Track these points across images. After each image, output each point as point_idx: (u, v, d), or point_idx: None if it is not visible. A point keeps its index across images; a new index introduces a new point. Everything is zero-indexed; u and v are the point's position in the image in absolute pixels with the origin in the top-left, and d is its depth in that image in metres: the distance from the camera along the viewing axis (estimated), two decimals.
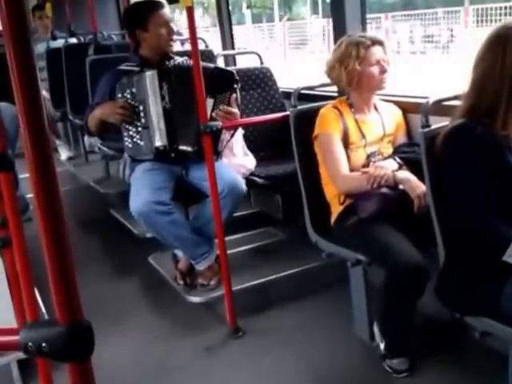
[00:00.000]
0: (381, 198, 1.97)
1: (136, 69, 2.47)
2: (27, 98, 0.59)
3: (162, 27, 2.46)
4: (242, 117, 2.67)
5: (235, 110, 2.40)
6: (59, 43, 4.66)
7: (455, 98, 1.83)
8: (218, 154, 2.47)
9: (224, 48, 3.84)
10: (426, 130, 1.78)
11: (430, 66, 10.64)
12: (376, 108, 2.20)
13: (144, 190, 2.34)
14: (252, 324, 2.40)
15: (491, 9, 12.00)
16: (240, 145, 2.69)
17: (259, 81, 3.16)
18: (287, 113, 2.42)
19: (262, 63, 3.24)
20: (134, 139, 2.47)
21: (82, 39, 4.76)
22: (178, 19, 12.16)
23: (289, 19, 19.87)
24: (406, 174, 1.99)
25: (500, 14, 11.58)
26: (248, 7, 21.40)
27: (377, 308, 2.08)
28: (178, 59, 2.57)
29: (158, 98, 2.42)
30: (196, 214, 2.58)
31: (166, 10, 2.52)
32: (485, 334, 1.59)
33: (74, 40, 4.81)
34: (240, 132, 2.67)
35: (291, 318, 2.45)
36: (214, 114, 2.32)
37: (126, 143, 2.49)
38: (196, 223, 2.51)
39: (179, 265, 2.63)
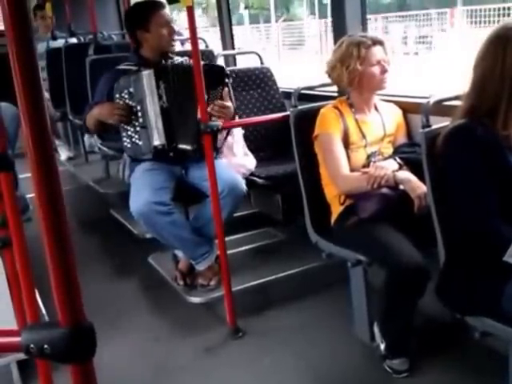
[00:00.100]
0: (381, 199, 1.97)
1: (133, 68, 2.47)
2: (30, 98, 0.59)
3: (164, 27, 2.46)
4: (241, 117, 2.67)
5: (229, 103, 2.42)
6: (59, 43, 4.66)
7: (456, 98, 1.83)
8: (217, 151, 2.47)
9: (224, 48, 3.84)
10: (427, 130, 1.78)
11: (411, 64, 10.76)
12: (376, 108, 2.20)
13: (144, 190, 2.34)
14: (252, 324, 2.40)
15: (484, 10, 12.09)
16: (240, 145, 2.69)
17: (259, 81, 3.15)
18: (287, 113, 2.42)
19: (262, 63, 3.24)
20: (133, 139, 2.47)
21: (82, 39, 4.75)
22: (176, 19, 12.16)
23: (285, 20, 19.87)
24: (406, 175, 1.99)
25: (494, 15, 11.65)
26: (246, 8, 21.39)
27: (377, 308, 2.08)
28: (178, 59, 2.58)
29: (156, 98, 2.42)
30: (196, 214, 2.58)
31: (167, 10, 2.52)
32: (485, 334, 1.59)
33: (74, 40, 4.80)
34: (240, 132, 2.68)
35: (291, 318, 2.45)
36: (209, 109, 2.32)
37: (125, 143, 2.49)
38: (196, 223, 2.51)
39: (179, 265, 2.63)
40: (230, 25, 3.83)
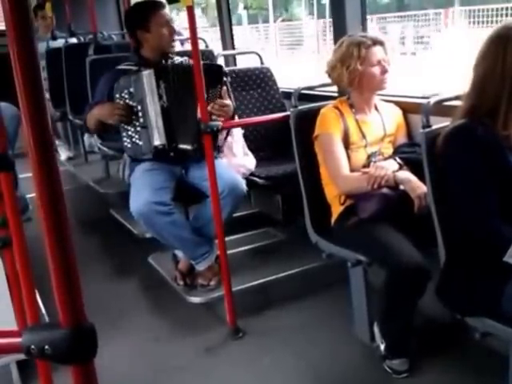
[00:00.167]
0: (381, 199, 1.97)
1: (134, 68, 2.47)
2: (31, 98, 0.59)
3: (164, 27, 2.46)
4: (241, 117, 2.67)
5: (228, 101, 2.42)
6: (59, 43, 4.65)
7: (456, 98, 1.83)
8: (218, 150, 2.47)
9: (224, 48, 3.84)
10: (427, 130, 1.78)
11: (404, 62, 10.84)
12: (376, 108, 2.20)
13: (144, 190, 2.34)
14: (252, 324, 2.40)
15: (483, 10, 12.12)
16: (240, 145, 2.69)
17: (259, 81, 3.15)
18: (287, 113, 2.43)
19: (262, 63, 3.24)
20: (133, 139, 2.47)
21: (82, 39, 4.75)
22: (175, 19, 12.17)
23: (284, 20, 19.87)
24: (406, 175, 1.99)
25: (493, 16, 11.68)
26: (245, 8, 21.39)
27: (377, 308, 2.08)
28: (178, 59, 2.58)
29: (156, 97, 2.42)
30: (196, 214, 2.58)
31: (167, 10, 2.52)
32: (485, 334, 1.59)
33: (74, 40, 4.80)
34: (240, 132, 2.68)
35: (291, 318, 2.45)
36: (209, 108, 2.32)
37: (125, 143, 2.49)
38: (196, 223, 2.51)
39: (179, 265, 2.63)
40: (230, 25, 3.83)
